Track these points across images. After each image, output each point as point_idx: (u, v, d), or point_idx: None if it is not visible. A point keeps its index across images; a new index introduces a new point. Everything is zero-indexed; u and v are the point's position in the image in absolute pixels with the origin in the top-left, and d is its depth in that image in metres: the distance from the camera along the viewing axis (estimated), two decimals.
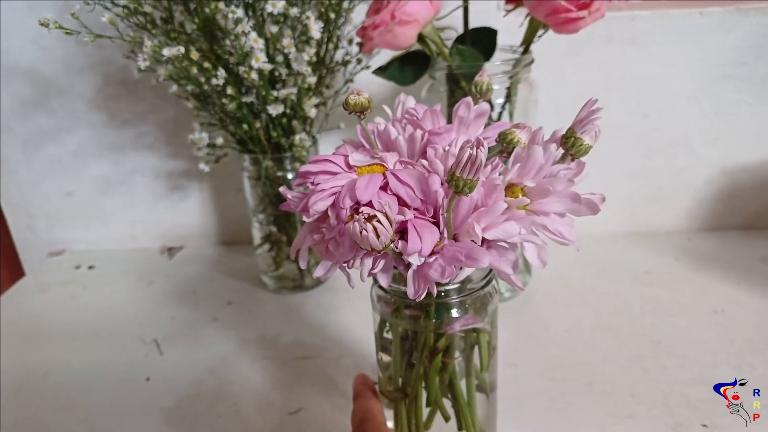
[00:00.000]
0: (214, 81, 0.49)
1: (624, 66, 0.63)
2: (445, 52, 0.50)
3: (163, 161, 0.71)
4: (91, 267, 0.72)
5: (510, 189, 0.28)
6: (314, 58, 0.52)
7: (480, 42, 0.53)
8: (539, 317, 0.56)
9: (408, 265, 0.27)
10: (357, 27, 0.55)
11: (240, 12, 0.47)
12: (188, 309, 0.61)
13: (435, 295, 0.28)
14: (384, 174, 0.28)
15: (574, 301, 0.58)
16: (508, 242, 0.28)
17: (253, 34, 0.47)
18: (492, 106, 0.52)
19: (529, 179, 0.27)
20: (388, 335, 0.36)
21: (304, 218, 0.29)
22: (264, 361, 0.52)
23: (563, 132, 0.29)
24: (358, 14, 0.56)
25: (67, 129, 0.70)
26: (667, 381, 0.46)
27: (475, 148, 0.24)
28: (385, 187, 0.28)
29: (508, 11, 0.52)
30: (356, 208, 0.27)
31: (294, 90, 0.52)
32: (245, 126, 0.54)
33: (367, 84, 0.60)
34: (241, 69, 0.49)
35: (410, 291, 0.27)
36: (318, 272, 0.29)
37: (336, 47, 0.56)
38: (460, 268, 0.29)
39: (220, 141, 0.57)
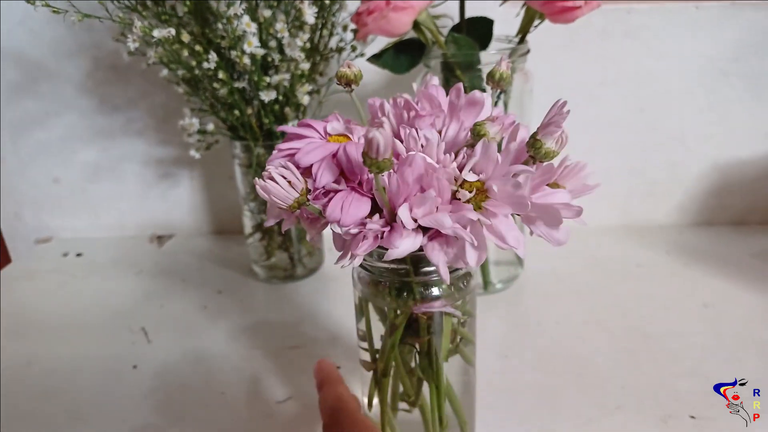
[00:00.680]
0: (205, 65, 0.48)
1: (620, 59, 0.63)
2: (441, 40, 0.50)
3: (153, 148, 0.70)
4: (79, 255, 0.71)
5: (470, 183, 0.27)
6: (308, 44, 0.51)
7: (476, 31, 0.52)
8: (531, 309, 0.56)
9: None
10: (352, 13, 0.55)
11: None
12: (177, 297, 0.60)
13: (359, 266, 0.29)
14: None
15: (566, 293, 0.58)
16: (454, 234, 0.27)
17: (246, 18, 0.47)
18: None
19: (485, 176, 0.26)
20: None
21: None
22: (253, 350, 0.52)
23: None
24: (352, 2, 0.55)
25: (56, 114, 0.69)
26: (657, 374, 0.46)
27: (377, 131, 0.24)
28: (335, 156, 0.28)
29: (505, 0, 0.52)
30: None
31: (287, 76, 0.51)
32: (237, 112, 0.54)
33: (362, 72, 0.59)
34: (233, 53, 0.48)
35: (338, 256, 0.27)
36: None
37: (330, 34, 0.55)
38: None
39: (211, 127, 0.57)
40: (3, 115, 0.69)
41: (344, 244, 0.27)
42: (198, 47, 0.48)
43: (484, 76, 0.50)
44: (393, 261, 0.29)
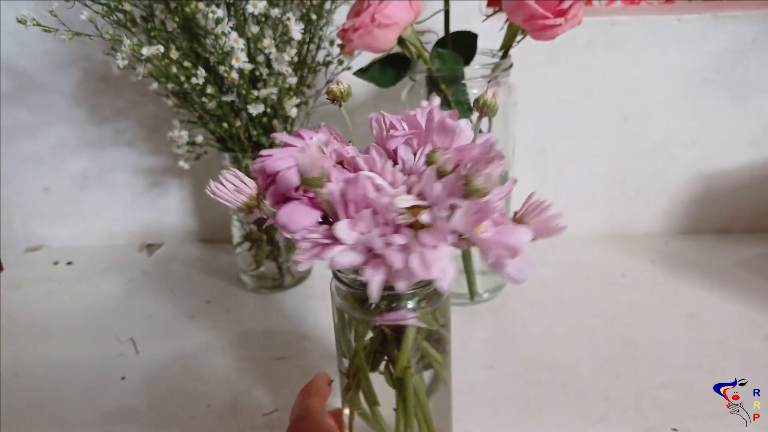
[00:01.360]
0: (194, 80, 0.49)
1: (604, 70, 0.64)
2: (425, 56, 0.51)
3: (143, 158, 0.70)
4: (69, 263, 0.71)
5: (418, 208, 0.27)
6: (295, 59, 0.52)
7: (460, 45, 0.53)
8: (516, 319, 0.56)
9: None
10: (339, 28, 0.55)
11: (220, 12, 0.46)
12: (165, 307, 0.61)
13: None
14: None
15: (552, 302, 0.58)
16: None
17: (234, 34, 0.47)
18: (471, 110, 0.52)
19: (425, 202, 0.27)
20: None
21: None
22: (240, 361, 0.52)
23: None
24: (341, 15, 0.56)
25: (46, 124, 0.69)
26: (640, 384, 0.47)
27: (299, 153, 0.25)
28: None
29: (488, 16, 0.52)
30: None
31: (275, 90, 0.52)
32: (225, 125, 0.54)
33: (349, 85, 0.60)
34: (222, 68, 0.49)
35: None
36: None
37: (318, 48, 0.55)
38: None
39: (200, 139, 0.57)
40: None
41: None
42: (187, 63, 0.48)
43: (469, 90, 0.51)
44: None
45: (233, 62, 0.49)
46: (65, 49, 0.65)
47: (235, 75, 0.49)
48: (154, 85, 0.54)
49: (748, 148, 0.66)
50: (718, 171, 0.68)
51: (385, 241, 0.26)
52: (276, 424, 0.45)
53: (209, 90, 0.50)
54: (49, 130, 0.69)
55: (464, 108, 0.52)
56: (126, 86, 0.67)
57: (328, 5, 0.53)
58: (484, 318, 0.57)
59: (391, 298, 0.33)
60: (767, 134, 0.66)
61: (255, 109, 0.52)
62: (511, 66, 0.52)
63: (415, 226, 0.26)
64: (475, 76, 0.51)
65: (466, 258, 0.57)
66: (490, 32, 0.53)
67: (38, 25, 0.43)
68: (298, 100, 0.55)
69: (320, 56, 0.57)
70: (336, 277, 0.34)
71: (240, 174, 0.29)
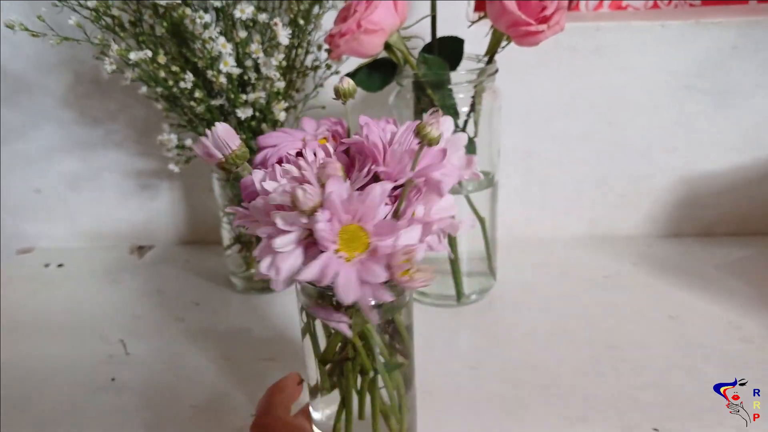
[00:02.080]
0: (182, 84, 0.49)
1: (588, 75, 0.65)
2: (412, 61, 0.51)
3: (133, 160, 0.71)
4: (60, 265, 0.71)
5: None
6: (283, 63, 0.52)
7: (447, 50, 0.54)
8: (500, 320, 0.57)
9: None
10: (327, 32, 0.56)
11: (208, 17, 0.47)
12: (154, 309, 0.61)
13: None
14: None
15: (535, 304, 0.59)
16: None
17: (222, 39, 0.48)
18: (458, 114, 0.53)
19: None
20: None
21: None
22: (228, 362, 0.53)
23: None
24: (328, 20, 0.56)
25: (36, 126, 0.69)
26: (620, 384, 0.48)
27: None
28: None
29: (473, 21, 0.53)
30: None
31: (263, 94, 0.52)
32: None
33: None
34: (210, 73, 0.49)
35: None
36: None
37: (306, 52, 0.56)
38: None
39: (189, 142, 0.58)
40: None
41: None
42: (175, 67, 0.49)
43: (455, 95, 0.52)
44: None
45: (221, 67, 0.49)
46: (56, 52, 0.65)
47: (223, 79, 0.50)
48: (144, 89, 0.55)
49: (730, 152, 0.68)
50: (700, 175, 0.69)
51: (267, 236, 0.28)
52: None
53: (197, 94, 0.50)
54: (40, 131, 0.70)
55: (450, 112, 0.52)
56: (116, 89, 0.67)
57: (316, 10, 0.54)
58: (470, 319, 0.58)
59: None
60: (748, 139, 0.67)
61: (244, 113, 0.53)
62: (496, 71, 0.53)
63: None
64: (461, 81, 0.52)
65: (454, 261, 0.58)
66: (476, 37, 0.54)
67: (26, 30, 0.44)
68: (287, 104, 0.56)
69: (308, 60, 0.58)
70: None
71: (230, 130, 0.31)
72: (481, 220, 0.58)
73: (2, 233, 0.74)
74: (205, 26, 0.47)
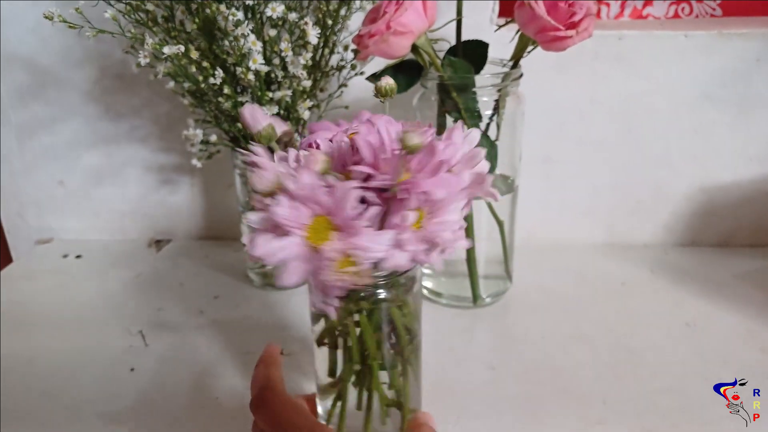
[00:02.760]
0: (211, 80, 0.50)
1: (609, 82, 0.65)
2: (438, 63, 0.52)
3: (156, 155, 0.72)
4: (78, 256, 0.72)
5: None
6: (310, 62, 0.53)
7: (471, 54, 0.54)
8: (517, 323, 0.58)
9: None
10: (353, 33, 0.57)
11: (240, 14, 0.48)
12: (175, 301, 0.62)
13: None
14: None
15: (552, 308, 0.59)
16: None
17: (252, 37, 0.49)
18: (481, 117, 0.54)
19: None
20: None
21: None
22: (248, 356, 0.53)
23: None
24: (355, 21, 0.57)
25: (62, 119, 0.71)
26: (638, 389, 0.48)
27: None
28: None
29: (500, 26, 0.54)
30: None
31: (289, 92, 0.53)
32: (239, 124, 0.55)
33: (360, 89, 0.61)
34: (239, 69, 0.50)
35: None
36: None
37: (331, 52, 0.57)
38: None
39: (213, 138, 0.59)
40: (11, 118, 0.70)
41: None
42: (205, 63, 0.50)
43: (479, 98, 0.53)
44: None
45: (250, 64, 0.50)
46: (83, 47, 0.67)
47: (251, 76, 0.51)
48: (171, 84, 0.56)
49: (750, 163, 0.68)
50: (719, 185, 0.69)
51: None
52: None
53: (226, 90, 0.51)
54: (65, 125, 0.71)
55: (474, 115, 0.53)
56: (141, 85, 0.68)
57: (343, 11, 0.54)
58: (486, 321, 0.58)
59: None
60: None
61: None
62: (521, 76, 0.53)
63: None
64: (485, 84, 0.52)
65: (470, 262, 0.58)
66: (500, 41, 0.54)
67: (64, 21, 0.45)
68: (311, 103, 0.56)
69: (333, 61, 0.58)
70: None
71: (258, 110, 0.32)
72: (500, 224, 0.58)
73: (25, 224, 0.76)
74: (237, 23, 0.48)
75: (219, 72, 0.50)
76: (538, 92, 0.60)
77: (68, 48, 0.67)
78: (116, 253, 0.72)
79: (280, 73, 0.53)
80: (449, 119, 0.54)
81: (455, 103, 0.53)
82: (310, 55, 0.52)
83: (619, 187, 0.69)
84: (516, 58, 0.53)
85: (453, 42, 0.55)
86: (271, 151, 0.33)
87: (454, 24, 0.54)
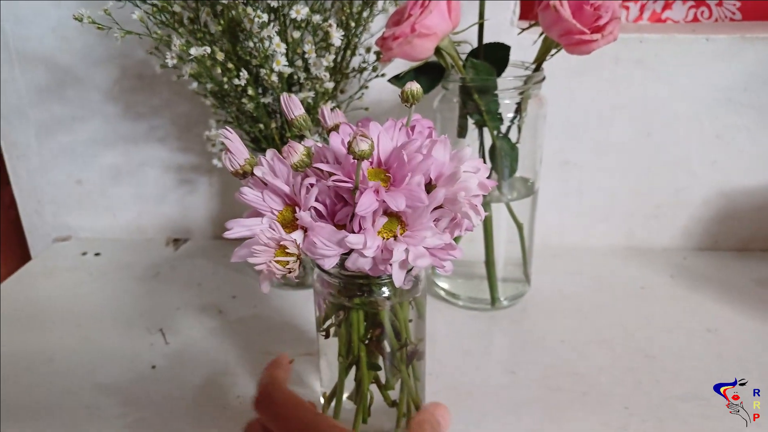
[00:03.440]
0: (236, 81, 0.50)
1: (630, 86, 0.65)
2: (460, 65, 0.52)
3: (174, 155, 0.72)
4: (97, 254, 0.73)
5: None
6: (332, 64, 0.53)
7: (493, 56, 0.54)
8: (537, 327, 0.57)
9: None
10: (374, 35, 0.57)
11: (266, 16, 0.48)
12: (193, 301, 0.62)
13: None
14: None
15: (571, 312, 0.59)
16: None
17: (276, 39, 0.49)
18: (502, 120, 0.54)
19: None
20: None
21: None
22: (267, 355, 0.53)
23: None
24: (376, 23, 0.57)
25: (81, 118, 0.71)
26: (660, 395, 0.48)
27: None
28: None
29: (523, 29, 0.54)
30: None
31: (311, 94, 0.53)
32: (261, 125, 0.56)
33: (380, 91, 0.62)
34: (262, 71, 0.50)
35: None
36: None
37: (353, 54, 0.57)
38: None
39: None
40: (30, 116, 0.71)
41: None
42: (230, 64, 0.50)
43: (500, 101, 0.53)
44: None
45: (274, 65, 0.50)
46: (105, 46, 0.67)
47: (275, 78, 0.51)
48: (194, 85, 0.56)
49: None
50: (739, 190, 0.69)
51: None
52: None
53: (250, 91, 0.51)
54: (84, 124, 0.71)
55: (495, 118, 0.53)
56: (161, 85, 0.68)
57: (366, 13, 0.55)
58: (505, 324, 0.58)
59: (364, 286, 0.37)
60: None
61: None
62: (543, 79, 0.53)
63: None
64: (507, 87, 0.52)
65: (489, 265, 0.58)
66: (521, 44, 0.54)
67: (94, 23, 0.45)
68: (333, 104, 0.57)
69: (355, 62, 0.58)
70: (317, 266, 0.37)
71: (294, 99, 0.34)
72: (519, 227, 0.58)
73: (43, 222, 0.76)
74: (263, 26, 0.48)
75: (244, 73, 0.50)
76: (557, 95, 0.60)
77: (89, 47, 0.67)
78: (134, 252, 0.73)
79: (302, 75, 0.53)
80: (470, 121, 0.54)
81: (477, 105, 0.53)
82: (332, 57, 0.52)
83: (639, 191, 0.69)
84: (539, 61, 0.52)
85: (474, 44, 0.55)
86: (302, 138, 0.35)
87: (475, 26, 0.54)
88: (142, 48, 0.57)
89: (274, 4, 0.49)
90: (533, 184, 0.58)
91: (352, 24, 0.53)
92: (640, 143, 0.67)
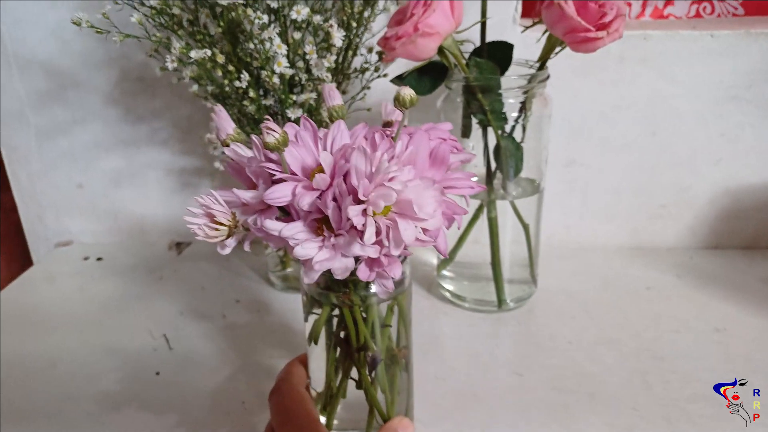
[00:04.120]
0: (237, 83, 0.50)
1: (634, 84, 0.65)
2: (464, 65, 0.51)
3: (176, 158, 0.72)
4: (99, 259, 0.72)
5: None
6: (334, 65, 0.53)
7: (496, 55, 0.54)
8: (544, 328, 0.57)
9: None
10: (375, 35, 0.56)
11: (265, 18, 0.47)
12: (196, 305, 0.62)
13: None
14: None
15: (578, 313, 0.59)
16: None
17: (277, 40, 0.48)
18: (506, 119, 0.53)
19: None
20: None
21: None
22: (271, 360, 0.53)
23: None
24: (377, 22, 0.57)
25: (82, 122, 0.71)
26: (669, 396, 0.47)
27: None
28: None
29: (527, 27, 0.53)
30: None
31: (313, 95, 0.53)
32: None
33: (382, 91, 0.61)
34: (263, 73, 0.50)
35: None
36: None
37: (354, 54, 0.56)
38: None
39: None
40: (31, 120, 0.70)
41: None
42: (231, 67, 0.50)
43: (504, 100, 0.52)
44: None
45: (275, 67, 0.50)
46: (105, 49, 0.67)
47: (276, 80, 0.50)
48: (195, 87, 0.56)
49: None
50: (744, 188, 0.68)
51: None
52: None
53: (251, 94, 0.51)
54: (85, 127, 0.71)
55: (499, 117, 0.52)
56: (162, 87, 0.68)
57: (367, 13, 0.54)
58: (511, 326, 0.58)
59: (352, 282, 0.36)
60: None
61: (293, 114, 0.53)
62: (547, 77, 0.53)
63: None
64: (511, 86, 0.52)
65: (495, 266, 0.58)
66: (524, 42, 0.54)
67: (92, 27, 0.45)
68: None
69: (356, 63, 0.58)
70: None
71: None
72: (525, 227, 0.58)
73: (44, 227, 0.76)
74: (263, 27, 0.47)
75: (245, 75, 0.50)
76: (561, 94, 0.59)
77: (89, 51, 0.67)
78: (136, 256, 0.72)
79: (304, 76, 0.53)
80: (474, 121, 0.54)
81: (481, 104, 0.52)
82: (334, 57, 0.51)
83: (644, 190, 0.69)
84: (543, 59, 0.52)
85: (477, 43, 0.54)
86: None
87: (478, 24, 0.53)
88: (142, 50, 0.57)
89: (274, 5, 0.49)
90: (539, 184, 0.57)
91: (354, 24, 0.53)
92: (645, 142, 0.67)
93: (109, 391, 0.50)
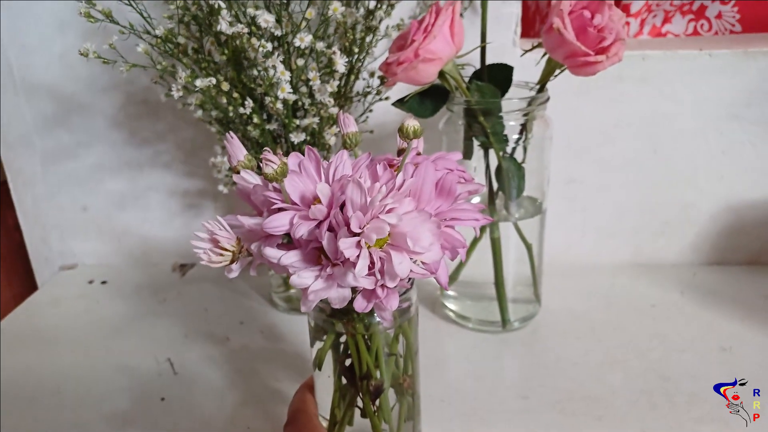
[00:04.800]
0: (241, 110, 0.50)
1: (634, 103, 0.65)
2: (464, 88, 0.52)
3: (180, 180, 0.72)
4: (104, 282, 0.72)
5: None
6: (336, 90, 0.53)
7: (496, 77, 0.54)
8: (549, 349, 0.57)
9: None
10: (377, 59, 0.57)
11: (269, 46, 0.48)
12: (200, 328, 0.62)
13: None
14: None
15: (583, 333, 0.59)
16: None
17: (281, 66, 0.49)
18: (507, 141, 0.53)
19: None
20: None
21: None
22: (277, 383, 0.53)
23: None
24: (379, 46, 0.57)
25: (86, 145, 0.71)
26: (677, 417, 0.47)
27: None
28: None
29: (526, 51, 0.54)
30: None
31: (316, 120, 0.53)
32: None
33: (384, 114, 0.61)
34: (267, 99, 0.50)
35: None
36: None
37: (356, 78, 0.57)
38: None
39: None
40: (36, 144, 0.71)
41: None
42: (235, 94, 0.50)
43: (505, 122, 0.53)
44: None
45: (279, 93, 0.50)
46: (110, 74, 0.67)
47: (279, 105, 0.51)
48: (199, 113, 0.56)
49: None
50: (746, 204, 0.68)
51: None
52: None
53: (255, 119, 0.51)
54: (89, 150, 0.71)
55: (501, 139, 0.53)
56: (166, 110, 0.69)
57: (369, 39, 0.55)
58: (516, 347, 0.58)
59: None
60: None
61: (297, 138, 0.53)
62: (548, 99, 0.53)
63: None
64: (512, 109, 0.52)
65: (499, 286, 0.58)
66: (523, 64, 0.54)
67: (99, 57, 0.45)
68: (337, 129, 0.56)
69: (358, 86, 0.58)
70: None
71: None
72: (528, 247, 0.58)
73: (49, 249, 0.76)
74: (267, 55, 0.48)
75: (249, 102, 0.50)
76: (561, 113, 0.60)
77: (94, 75, 0.68)
78: (141, 278, 0.72)
79: (306, 101, 0.53)
80: (476, 143, 0.54)
81: (482, 127, 0.52)
82: (337, 82, 0.52)
83: (646, 207, 0.69)
84: (543, 81, 0.52)
85: (477, 65, 0.55)
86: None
87: (478, 48, 0.54)
88: (147, 75, 0.57)
89: (278, 33, 0.49)
90: (541, 204, 0.58)
91: (356, 50, 0.53)
92: (646, 160, 0.67)
93: (115, 417, 0.50)
